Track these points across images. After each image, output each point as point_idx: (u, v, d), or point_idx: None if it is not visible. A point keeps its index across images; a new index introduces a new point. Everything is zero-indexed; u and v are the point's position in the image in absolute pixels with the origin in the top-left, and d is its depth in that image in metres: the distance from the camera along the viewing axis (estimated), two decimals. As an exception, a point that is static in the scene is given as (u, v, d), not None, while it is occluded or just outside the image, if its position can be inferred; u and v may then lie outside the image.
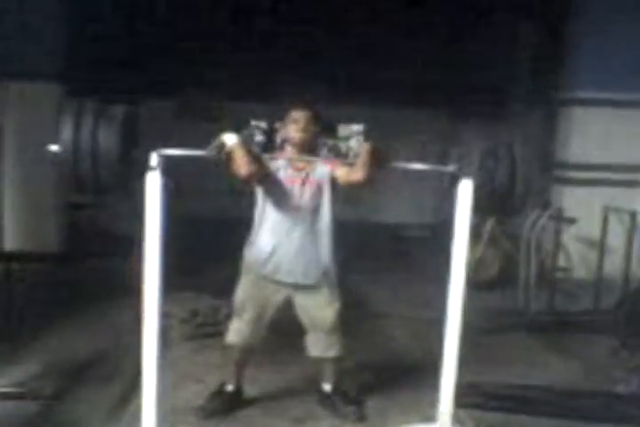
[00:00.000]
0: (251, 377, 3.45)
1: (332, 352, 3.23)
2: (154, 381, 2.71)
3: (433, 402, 2.95)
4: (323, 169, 3.08)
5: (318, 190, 3.08)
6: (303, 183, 3.07)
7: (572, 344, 4.58)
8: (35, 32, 6.24)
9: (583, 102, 6.64)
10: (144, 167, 2.64)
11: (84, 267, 6.19)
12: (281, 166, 3.07)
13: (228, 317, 4.35)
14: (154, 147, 2.69)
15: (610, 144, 6.57)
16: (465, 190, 2.77)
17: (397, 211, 9.83)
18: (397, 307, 5.32)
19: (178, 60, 8.79)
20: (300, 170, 3.08)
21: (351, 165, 2.95)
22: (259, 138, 20.88)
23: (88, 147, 2.55)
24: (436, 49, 8.87)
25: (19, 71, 6.25)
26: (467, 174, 2.77)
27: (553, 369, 4.10)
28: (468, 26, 8.67)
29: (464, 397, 3.10)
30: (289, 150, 3.12)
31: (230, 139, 2.82)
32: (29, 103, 6.34)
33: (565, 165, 6.80)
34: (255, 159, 2.87)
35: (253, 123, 20.16)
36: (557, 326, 4.91)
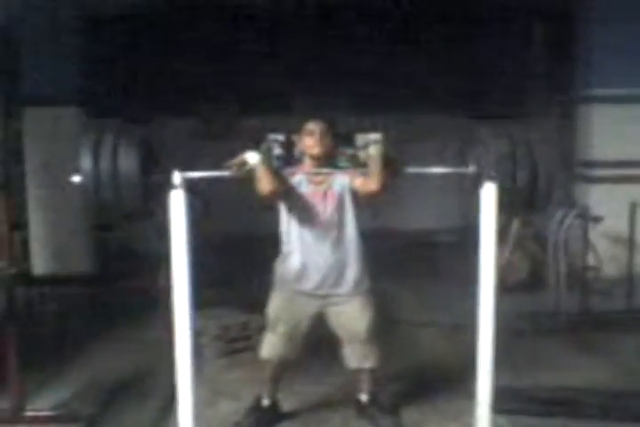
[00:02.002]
0: (286, 390, 3.45)
1: (370, 363, 3.21)
2: (189, 399, 2.72)
3: (470, 409, 2.93)
4: (342, 180, 3.08)
5: (340, 202, 3.08)
6: (325, 197, 3.07)
7: (606, 344, 4.51)
8: (53, 57, 6.35)
9: (602, 99, 6.57)
10: (165, 190, 2.68)
11: (115, 287, 6.22)
12: (301, 181, 3.09)
13: (259, 331, 4.39)
14: (174, 166, 2.72)
15: (632, 140, 6.50)
16: (488, 193, 2.76)
17: (422, 216, 9.77)
18: (428, 314, 5.29)
19: (191, 78, 8.85)
20: (319, 184, 3.09)
21: (366, 174, 2.95)
22: (277, 151, 21.14)
23: (109, 174, 2.61)
24: (450, 51, 8.84)
25: (39, 96, 6.36)
26: (487, 175, 2.76)
27: (589, 370, 4.04)
28: (482, 26, 8.64)
29: (501, 402, 3.06)
30: (307, 163, 3.13)
31: (252, 158, 2.86)
32: (51, 127, 6.44)
33: (588, 163, 6.74)
34: (276, 176, 2.89)
35: (271, 136, 20.34)
36: (591, 327, 4.84)
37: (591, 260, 5.62)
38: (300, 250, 3.09)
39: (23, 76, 6.31)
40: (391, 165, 2.89)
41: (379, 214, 9.86)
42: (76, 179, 2.63)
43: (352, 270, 3.12)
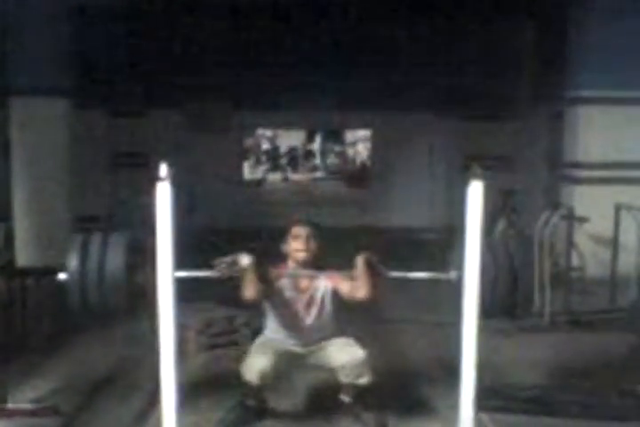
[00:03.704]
0: (270, 388, 3.44)
1: (364, 380, 3.21)
2: (172, 394, 2.70)
3: (454, 406, 2.93)
4: (325, 285, 3.20)
5: (322, 306, 3.22)
6: (308, 306, 3.21)
7: (589, 343, 4.55)
8: (41, 47, 6.30)
9: (589, 101, 6.62)
10: (150, 291, 2.73)
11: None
12: (285, 287, 3.18)
13: (243, 326, 4.39)
14: (162, 158, 2.71)
15: (618, 142, 6.56)
16: (475, 192, 2.76)
17: (408, 214, 9.80)
18: (413, 312, 5.29)
19: (185, 70, 8.83)
20: (303, 291, 3.21)
21: (351, 278, 3.05)
22: (265, 146, 21.08)
23: (95, 274, 2.70)
24: (440, 52, 8.86)
25: (26, 86, 6.31)
26: (474, 172, 2.77)
27: (572, 369, 4.07)
28: (472, 28, 8.67)
29: (485, 400, 3.07)
30: (291, 266, 3.22)
31: (244, 260, 2.97)
32: (38, 118, 6.38)
33: (575, 164, 6.78)
34: (263, 283, 3.00)
35: (260, 131, 20.30)
36: (574, 326, 4.88)
37: (575, 260, 5.66)
38: (278, 329, 3.26)
39: (9, 66, 6.25)
40: (375, 267, 3.03)
41: (364, 212, 9.95)
42: (62, 276, 2.70)
43: (328, 331, 3.27)
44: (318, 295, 3.21)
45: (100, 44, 7.85)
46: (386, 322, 4.99)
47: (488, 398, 3.25)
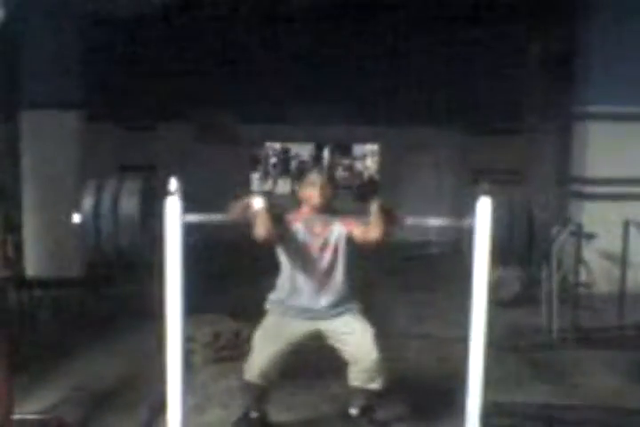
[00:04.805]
0: (276, 401, 3.43)
1: (375, 385, 3.19)
2: (178, 406, 2.71)
3: (460, 423, 2.92)
4: (340, 230, 3.16)
5: (335, 252, 3.18)
6: (322, 249, 3.17)
7: (597, 361, 4.52)
8: (53, 61, 6.35)
9: (597, 116, 6.61)
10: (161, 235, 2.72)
11: (106, 292, 6.21)
12: (300, 230, 3.15)
13: (249, 339, 4.38)
14: (173, 170, 2.73)
15: (627, 158, 6.54)
16: (483, 208, 2.77)
17: (415, 229, 9.79)
18: (420, 327, 5.28)
19: (195, 82, 8.89)
20: (318, 235, 3.17)
21: (366, 223, 3.04)
22: (273, 160, 21.17)
23: (109, 218, 2.67)
24: (449, 67, 8.91)
25: (37, 99, 6.35)
26: (482, 189, 2.77)
27: (580, 387, 4.04)
28: (481, 42, 8.70)
29: (491, 417, 3.06)
30: (306, 212, 3.20)
31: (257, 202, 2.95)
32: (47, 131, 6.42)
33: (583, 180, 6.77)
34: (276, 224, 2.98)
35: (268, 144, 20.40)
36: (582, 343, 4.85)
37: (584, 276, 5.64)
38: (290, 281, 3.19)
39: (21, 80, 6.31)
40: (389, 216, 3.02)
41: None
42: (77, 219, 2.69)
43: (340, 292, 3.20)
44: (332, 239, 3.15)
45: (112, 57, 7.93)
46: (395, 338, 4.97)
47: (495, 415, 3.23)
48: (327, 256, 3.16)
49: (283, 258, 3.21)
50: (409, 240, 9.37)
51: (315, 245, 3.15)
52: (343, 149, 20.62)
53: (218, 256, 7.28)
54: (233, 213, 2.97)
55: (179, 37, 8.93)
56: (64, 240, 6.58)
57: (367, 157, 19.70)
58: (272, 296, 3.28)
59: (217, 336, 4.44)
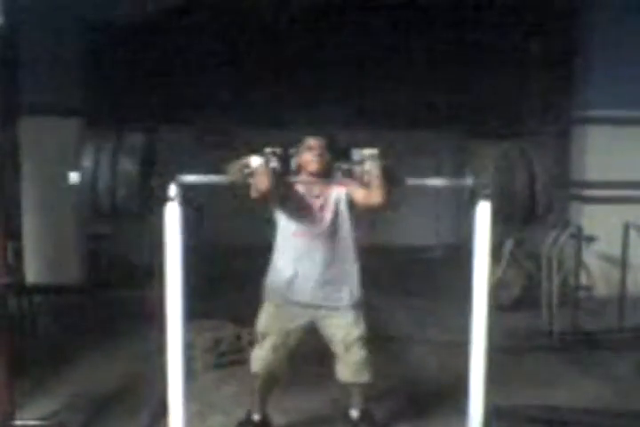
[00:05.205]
0: (277, 405, 3.43)
1: (363, 378, 3.18)
2: (180, 412, 2.71)
3: (461, 426, 2.92)
4: (339, 193, 3.09)
5: (337, 215, 3.09)
6: (322, 209, 3.08)
7: (598, 363, 4.52)
8: (53, 66, 6.37)
9: (596, 120, 6.63)
10: (162, 195, 2.67)
11: (106, 298, 6.21)
12: (298, 193, 3.09)
13: (251, 344, 4.38)
14: (171, 176, 2.73)
15: (626, 162, 6.55)
16: (483, 212, 2.77)
17: (415, 232, 9.79)
18: (421, 330, 5.28)
19: (194, 86, 8.90)
20: (317, 196, 3.10)
21: (367, 186, 2.95)
22: (273, 164, 21.18)
23: (107, 175, 2.58)
24: (448, 69, 8.91)
25: (37, 104, 6.37)
26: (483, 193, 2.76)
27: (580, 389, 4.04)
28: (480, 45, 8.72)
29: (492, 420, 3.06)
30: (304, 177, 3.13)
31: (255, 161, 2.88)
32: (48, 136, 6.43)
33: (582, 184, 6.78)
34: (275, 179, 2.89)
35: (268, 149, 20.41)
36: (582, 346, 4.85)
37: (584, 279, 5.64)
38: (293, 260, 3.09)
39: (21, 85, 6.32)
40: (391, 178, 2.91)
41: (371, 230, 9.91)
42: (75, 178, 2.61)
43: (346, 284, 3.12)
44: (332, 200, 3.09)
45: (112, 61, 7.93)
46: (396, 341, 4.97)
47: (496, 417, 3.23)
48: (328, 216, 3.07)
49: (281, 223, 3.11)
50: (412, 244, 9.45)
51: (314, 205, 3.08)
52: (342, 154, 20.65)
53: (218, 260, 7.29)
54: (232, 174, 2.89)
55: (178, 42, 8.93)
56: (64, 247, 6.60)
57: (366, 162, 19.69)
58: (271, 282, 3.17)
59: (218, 342, 4.44)
